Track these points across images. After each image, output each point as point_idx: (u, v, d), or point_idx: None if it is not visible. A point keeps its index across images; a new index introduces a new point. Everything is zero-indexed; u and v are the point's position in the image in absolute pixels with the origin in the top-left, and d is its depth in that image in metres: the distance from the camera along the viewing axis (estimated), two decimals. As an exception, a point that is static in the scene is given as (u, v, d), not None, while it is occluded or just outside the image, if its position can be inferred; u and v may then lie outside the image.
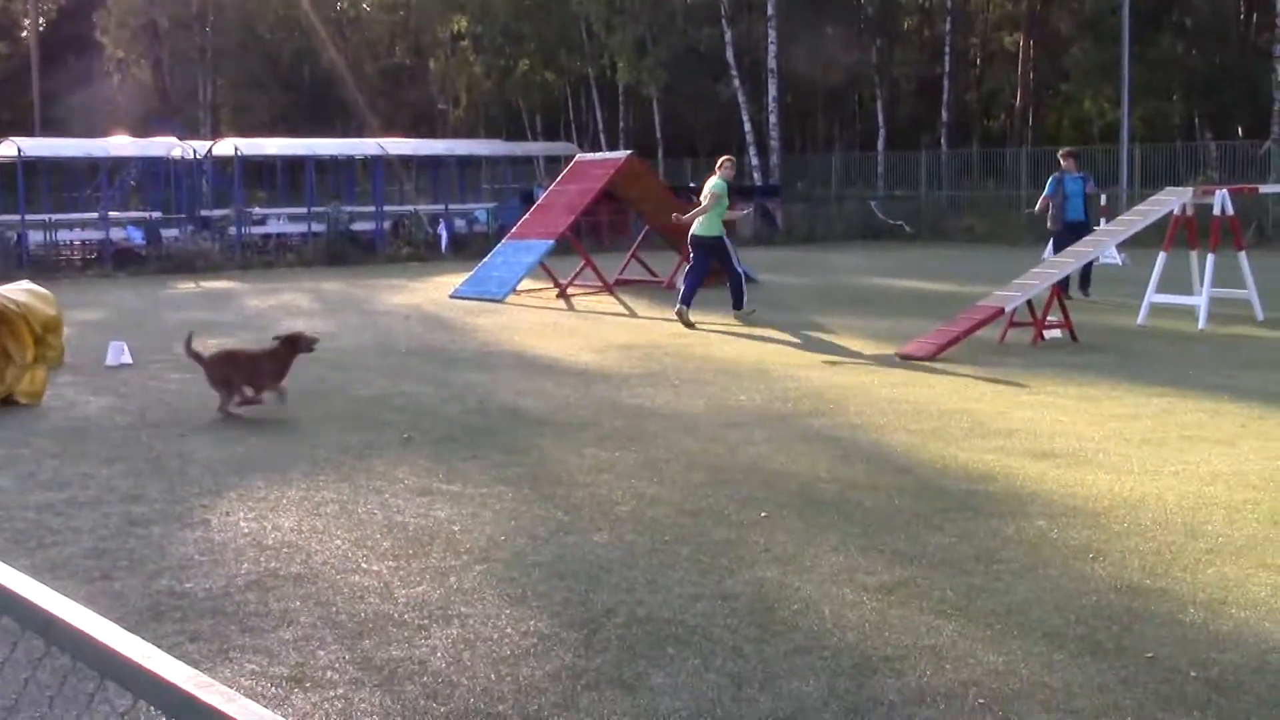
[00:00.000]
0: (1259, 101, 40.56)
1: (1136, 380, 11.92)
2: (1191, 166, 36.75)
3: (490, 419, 10.42)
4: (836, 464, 8.53)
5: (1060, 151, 20.62)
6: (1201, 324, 15.86)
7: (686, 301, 17.18)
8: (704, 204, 17.58)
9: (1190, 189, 17.24)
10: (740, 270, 17.90)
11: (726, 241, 17.71)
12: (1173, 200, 16.74)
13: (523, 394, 11.67)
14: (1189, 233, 16.76)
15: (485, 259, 23.42)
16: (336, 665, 5.04)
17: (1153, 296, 16.64)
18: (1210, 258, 16.32)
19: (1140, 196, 26.99)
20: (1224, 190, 16.94)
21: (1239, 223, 17.32)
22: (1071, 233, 19.06)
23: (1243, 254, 16.69)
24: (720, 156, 18.50)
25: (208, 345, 12.57)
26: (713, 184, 17.55)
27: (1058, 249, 19.06)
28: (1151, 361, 13.24)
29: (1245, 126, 42.48)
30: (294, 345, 10.99)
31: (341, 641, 5.29)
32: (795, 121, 50.53)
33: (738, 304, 17.65)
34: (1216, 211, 16.56)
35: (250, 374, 10.77)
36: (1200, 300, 16.22)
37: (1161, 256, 16.69)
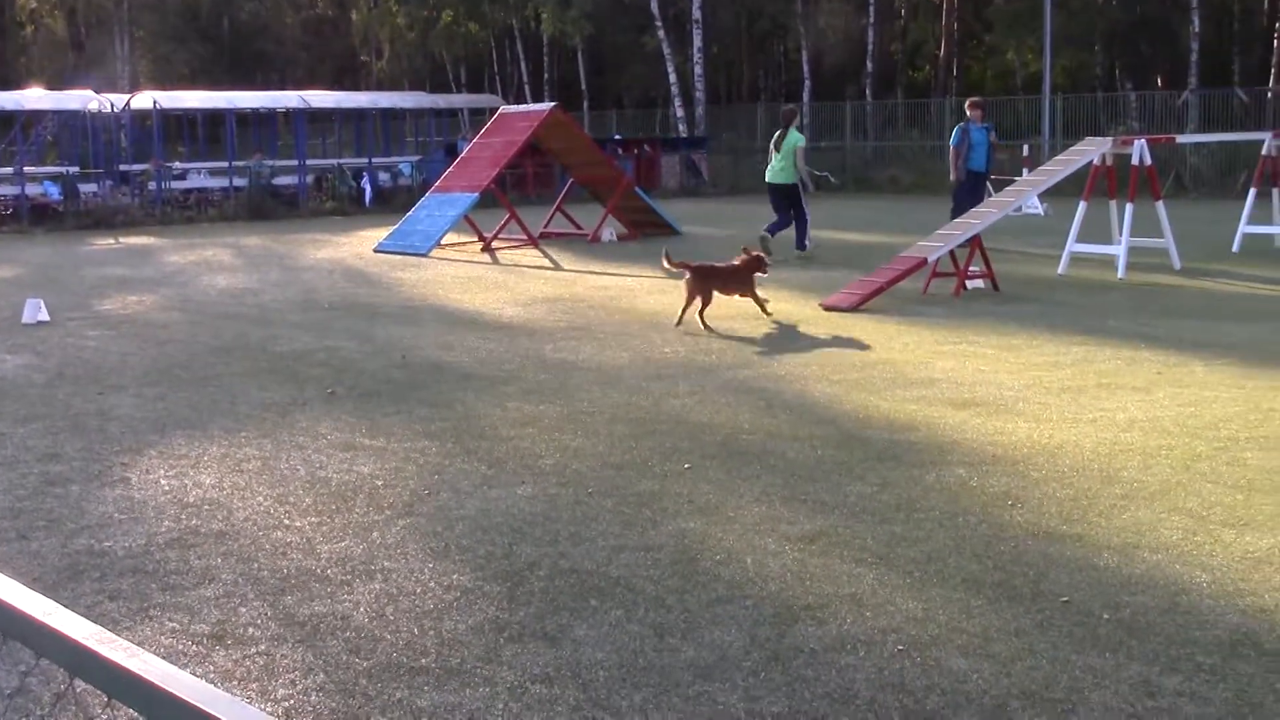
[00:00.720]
0: (1178, 52, 40.98)
1: (1057, 329, 12.06)
2: (1112, 117, 37.09)
3: (414, 373, 10.39)
4: (760, 415, 8.58)
5: (967, 101, 20.66)
6: (1121, 273, 16.07)
7: (771, 232, 19.26)
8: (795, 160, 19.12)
9: (1109, 139, 17.41)
10: (807, 215, 19.45)
11: (800, 188, 19.25)
12: (1092, 150, 16.92)
13: (447, 348, 11.64)
14: (1109, 183, 16.96)
15: (409, 213, 23.28)
16: (258, 622, 5.02)
17: (1073, 246, 16.82)
18: (1129, 207, 16.53)
19: (1062, 146, 27.22)
20: (1142, 140, 17.12)
21: (1157, 173, 17.50)
22: (972, 181, 19.48)
23: (1160, 204, 16.90)
24: (786, 108, 20.29)
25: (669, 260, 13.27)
26: (793, 138, 19.15)
27: (957, 199, 19.26)
28: (1071, 311, 13.39)
29: (1164, 77, 42.93)
30: (756, 263, 13.02)
31: (263, 598, 5.28)
32: (721, 72, 50.42)
33: (800, 244, 19.37)
34: (1135, 161, 16.74)
35: (725, 283, 12.94)
36: (1119, 250, 16.43)
37: (1082, 206, 16.86)
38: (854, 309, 13.46)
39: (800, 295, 14.75)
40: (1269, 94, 37.79)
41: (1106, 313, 13.19)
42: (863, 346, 11.30)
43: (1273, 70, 39.78)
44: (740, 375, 10.04)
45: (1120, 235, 16.61)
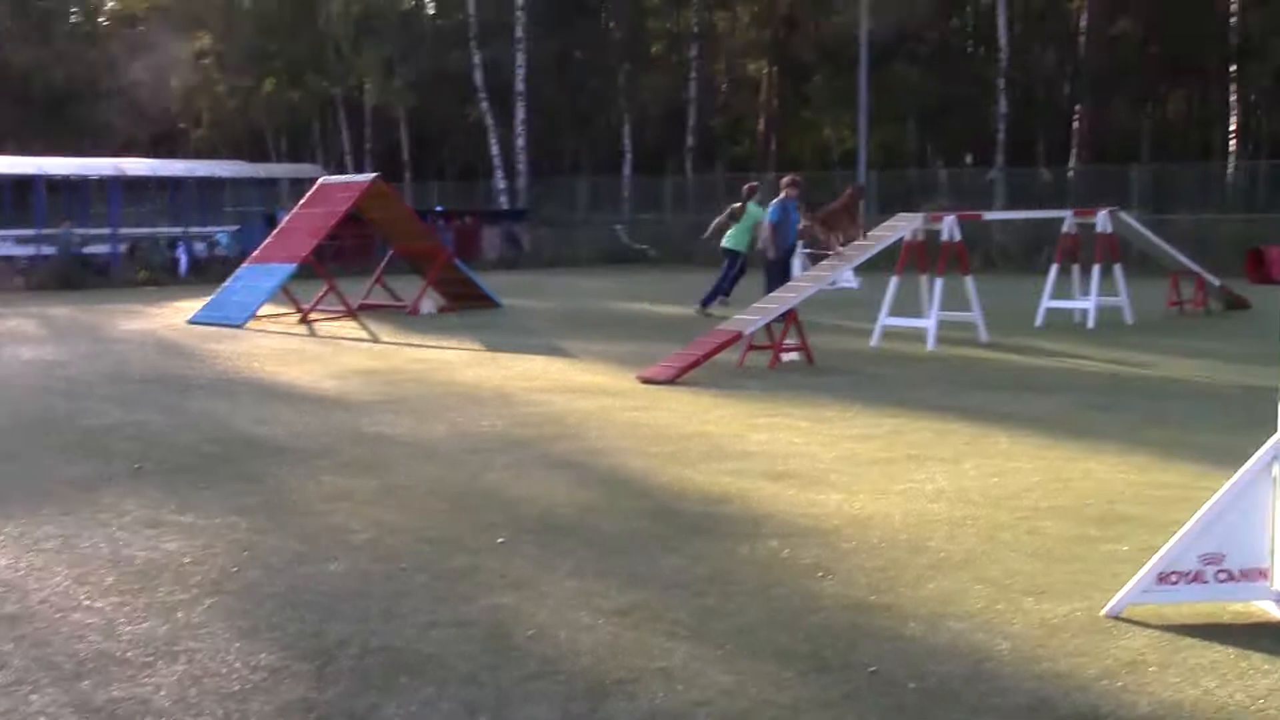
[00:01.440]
0: (986, 131, 42.40)
1: (869, 402, 12.29)
2: (924, 192, 38.18)
3: (226, 447, 10.18)
4: (576, 489, 8.59)
5: (784, 179, 20.92)
6: (931, 345, 16.46)
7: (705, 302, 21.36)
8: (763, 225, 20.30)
9: (920, 215, 17.91)
10: (728, 281, 21.40)
11: (742, 258, 21.36)
12: (904, 225, 17.37)
13: (261, 421, 11.44)
14: (919, 257, 17.42)
15: (225, 284, 22.90)
16: (50, 710, 4.85)
17: (885, 319, 17.20)
18: (939, 282, 16.99)
19: (877, 221, 27.87)
20: (952, 216, 17.65)
21: (965, 248, 18.03)
22: (785, 259, 20.01)
23: (968, 278, 17.39)
24: (749, 185, 22.63)
25: None
26: (754, 211, 21.09)
27: (770, 274, 19.42)
28: (884, 383, 13.67)
29: (974, 154, 44.39)
30: None
31: (58, 684, 5.10)
32: (544, 145, 50.77)
33: (706, 302, 21.38)
34: (945, 237, 17.23)
35: None
36: (930, 323, 16.84)
37: (894, 280, 17.27)
38: (671, 381, 13.56)
39: (618, 368, 14.82)
40: (1070, 173, 39.33)
41: (917, 385, 13.49)
42: (679, 419, 11.38)
43: (1073, 150, 41.36)
44: (557, 449, 10.04)
45: (930, 309, 17.03)
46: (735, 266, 21.42)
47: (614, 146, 49.51)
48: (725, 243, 21.49)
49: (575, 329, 19.69)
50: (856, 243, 17.70)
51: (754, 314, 15.25)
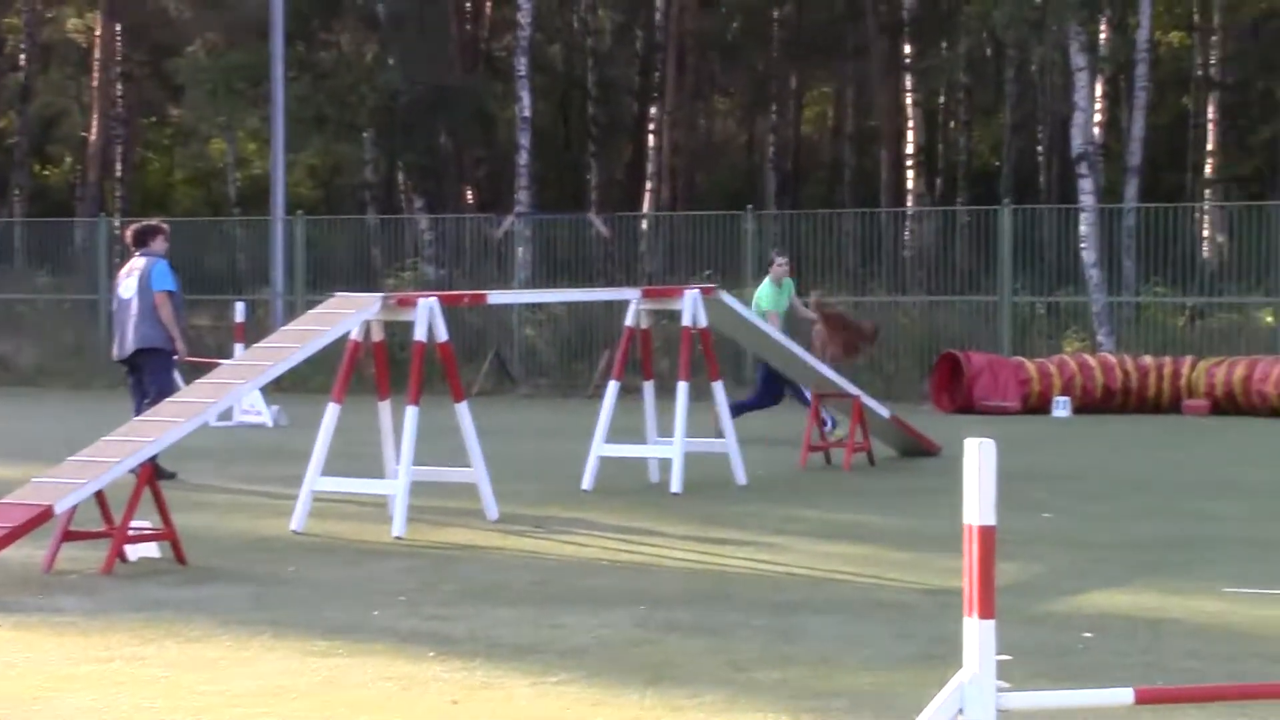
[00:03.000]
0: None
1: (284, 630, 12.12)
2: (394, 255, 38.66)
3: None
4: None
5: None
6: (398, 529, 16.23)
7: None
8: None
9: (376, 296, 17.80)
10: None
11: None
12: (351, 314, 17.08)
13: None
14: (378, 370, 17.23)
15: None
16: None
17: (318, 481, 16.85)
18: (411, 411, 16.75)
19: (306, 306, 27.73)
20: (433, 299, 17.49)
21: (451, 350, 17.93)
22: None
23: (462, 405, 17.26)
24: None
25: None
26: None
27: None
28: (311, 595, 13.63)
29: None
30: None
31: None
32: None
33: None
34: (420, 334, 17.03)
35: None
36: (396, 486, 16.61)
37: (332, 410, 16.96)
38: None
39: None
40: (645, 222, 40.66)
41: (370, 595, 13.43)
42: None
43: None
44: None
45: (397, 463, 16.77)
46: None
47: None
48: None
49: None
50: (269, 341, 17.42)
51: (77, 471, 14.58)
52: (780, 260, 25.42)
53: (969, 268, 37.14)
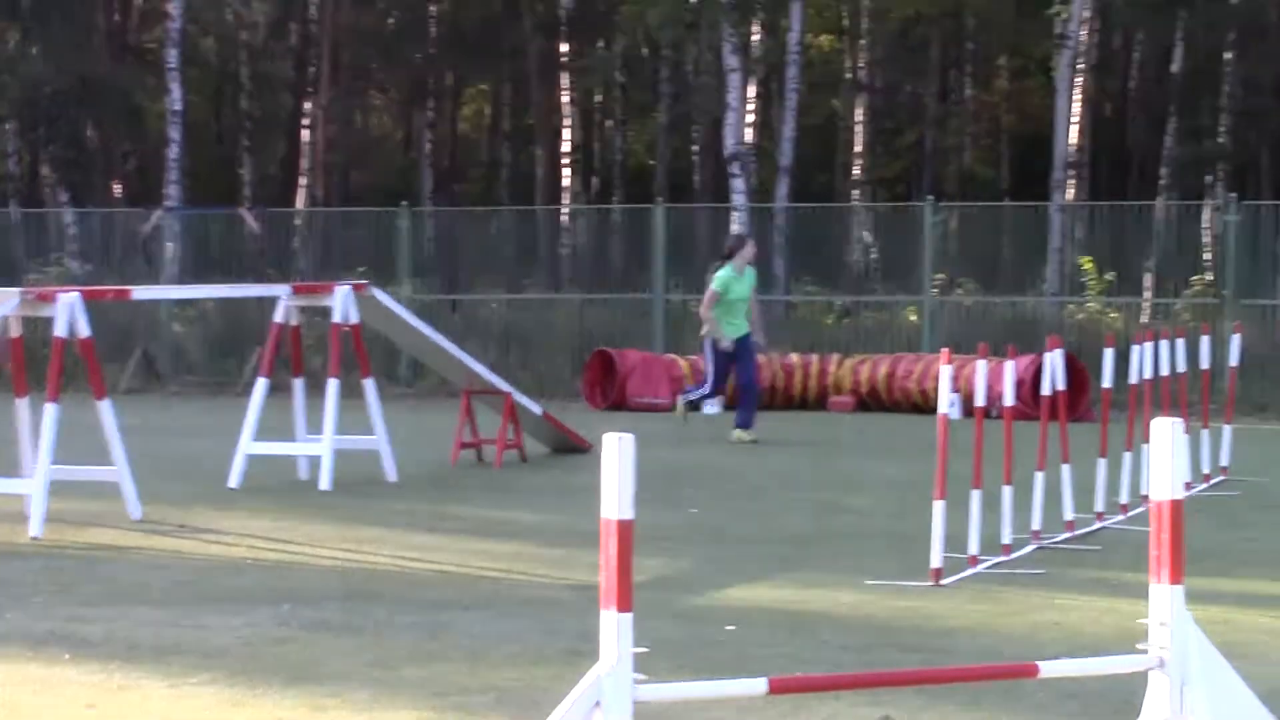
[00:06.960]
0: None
1: None
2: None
3: None
4: None
5: None
6: (36, 530, 15.84)
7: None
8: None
9: (15, 291, 17.34)
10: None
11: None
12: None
13: None
14: (17, 366, 16.78)
15: None
16: None
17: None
18: (50, 409, 16.33)
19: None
20: (74, 296, 17.06)
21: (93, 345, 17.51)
22: None
23: (104, 403, 16.93)
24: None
25: None
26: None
27: None
28: None
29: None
30: None
31: None
32: None
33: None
34: (63, 330, 16.61)
35: None
36: (34, 486, 16.16)
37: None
38: None
39: None
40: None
41: (4, 600, 13.07)
42: None
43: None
44: None
45: (34, 460, 16.35)
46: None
47: None
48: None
49: None
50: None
51: None
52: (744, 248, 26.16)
53: (623, 266, 37.44)
